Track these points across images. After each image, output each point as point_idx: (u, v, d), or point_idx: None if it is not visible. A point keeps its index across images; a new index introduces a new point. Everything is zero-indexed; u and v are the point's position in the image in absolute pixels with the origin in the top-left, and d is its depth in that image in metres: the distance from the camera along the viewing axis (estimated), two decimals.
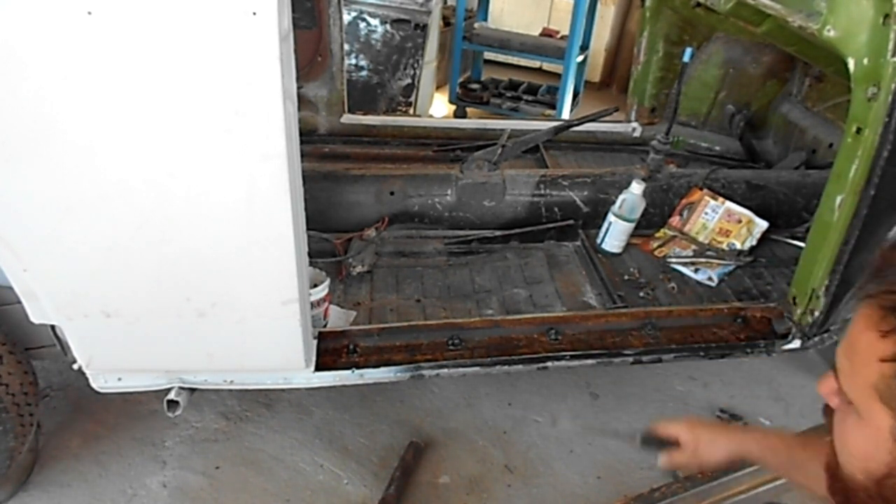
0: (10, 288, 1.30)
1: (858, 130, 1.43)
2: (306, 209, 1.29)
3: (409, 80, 3.39)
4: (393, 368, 1.60)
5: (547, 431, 2.08)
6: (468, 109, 4.44)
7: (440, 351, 1.64)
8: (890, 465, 0.59)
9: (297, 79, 1.16)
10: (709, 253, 2.09)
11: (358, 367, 1.59)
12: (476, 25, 4.41)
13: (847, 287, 1.63)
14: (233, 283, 1.30)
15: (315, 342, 1.56)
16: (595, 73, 5.05)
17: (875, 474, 0.61)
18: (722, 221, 2.13)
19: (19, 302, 1.33)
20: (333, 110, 2.55)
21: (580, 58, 4.27)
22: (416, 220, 2.15)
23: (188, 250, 1.24)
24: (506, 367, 1.65)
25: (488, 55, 4.75)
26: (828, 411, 0.70)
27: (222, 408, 2.06)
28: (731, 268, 2.05)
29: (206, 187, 1.16)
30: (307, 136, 2.41)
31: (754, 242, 2.11)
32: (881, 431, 0.58)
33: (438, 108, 4.39)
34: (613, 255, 2.08)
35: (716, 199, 2.15)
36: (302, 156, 1.25)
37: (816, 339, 1.73)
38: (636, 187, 2.02)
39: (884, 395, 0.57)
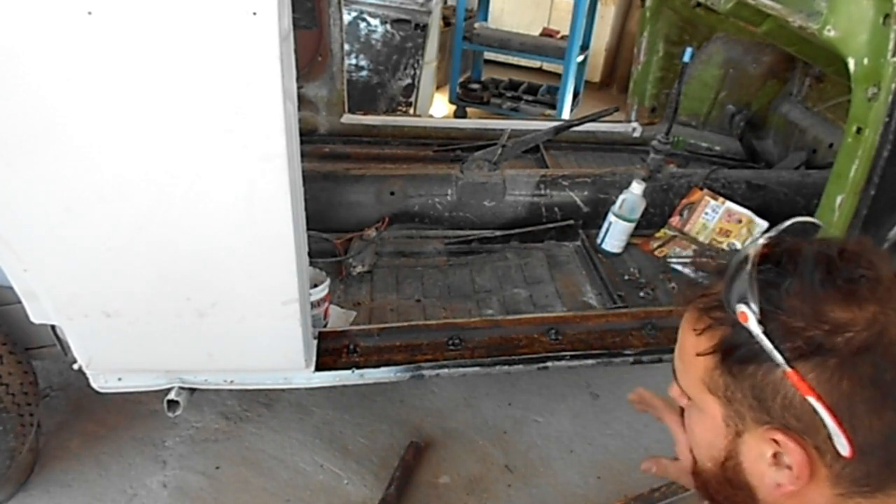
0: (10, 288, 1.30)
1: (858, 130, 1.43)
2: (306, 209, 1.29)
3: (409, 80, 3.39)
4: (393, 368, 1.60)
5: (547, 431, 2.08)
6: (468, 109, 4.44)
7: (440, 351, 1.64)
8: (727, 447, 0.65)
9: (298, 79, 1.16)
10: (709, 253, 2.09)
11: (358, 367, 1.58)
12: (476, 25, 4.41)
13: None
14: (233, 283, 1.30)
15: (315, 342, 1.56)
16: (595, 73, 5.05)
17: (718, 459, 0.67)
18: (722, 221, 2.13)
19: (19, 302, 1.32)
20: (333, 110, 2.55)
21: (580, 58, 4.27)
22: (417, 220, 2.14)
23: (188, 250, 1.24)
24: (506, 367, 1.65)
25: (488, 55, 4.75)
26: (682, 413, 0.76)
27: (222, 408, 2.06)
28: None
29: (206, 187, 1.16)
30: (307, 136, 2.41)
31: None
32: (716, 419, 0.65)
33: (438, 108, 4.39)
34: (613, 255, 2.08)
35: (716, 199, 2.15)
36: (302, 156, 1.25)
37: None
38: (636, 187, 2.02)
39: (710, 386, 0.64)
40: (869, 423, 0.56)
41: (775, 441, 0.60)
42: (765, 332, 0.58)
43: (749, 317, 0.58)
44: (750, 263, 0.59)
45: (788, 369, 0.57)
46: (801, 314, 0.57)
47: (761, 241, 0.62)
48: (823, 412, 0.56)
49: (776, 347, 0.57)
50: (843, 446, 0.56)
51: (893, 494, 0.59)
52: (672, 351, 0.72)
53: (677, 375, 0.71)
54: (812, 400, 0.56)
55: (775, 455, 0.60)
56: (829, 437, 0.57)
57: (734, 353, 0.61)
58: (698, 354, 0.64)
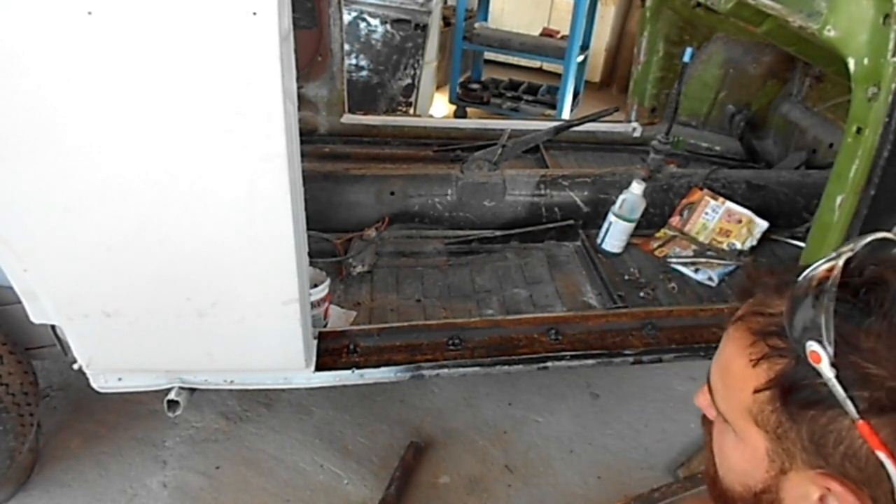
0: (10, 288, 1.30)
1: (858, 130, 1.43)
2: (306, 209, 1.29)
3: (409, 80, 3.39)
4: (393, 368, 1.60)
5: (547, 431, 2.08)
6: (468, 109, 4.44)
7: (440, 351, 1.64)
8: (767, 481, 0.60)
9: (298, 79, 1.16)
10: (709, 253, 2.09)
11: (358, 367, 1.58)
12: (476, 25, 4.41)
13: None
14: (233, 283, 1.30)
15: (315, 342, 1.56)
16: (595, 73, 5.05)
17: (753, 489, 0.62)
18: (722, 221, 2.13)
19: (19, 302, 1.32)
20: (334, 110, 2.56)
21: (580, 58, 4.27)
22: (417, 220, 2.14)
23: (188, 250, 1.24)
24: (506, 367, 1.65)
25: (488, 55, 4.76)
26: (706, 421, 0.72)
27: (222, 408, 2.06)
28: (731, 268, 2.05)
29: (206, 187, 1.16)
30: (307, 136, 2.41)
31: (754, 242, 2.11)
32: (758, 451, 0.60)
33: (438, 108, 4.39)
34: (614, 255, 2.08)
35: (716, 199, 2.15)
36: (302, 156, 1.25)
37: None
38: (636, 187, 2.02)
39: (759, 420, 0.58)
40: None
41: (827, 488, 0.55)
42: (838, 378, 0.51)
43: (822, 358, 0.52)
44: (827, 293, 0.53)
45: (860, 421, 0.51)
46: (882, 361, 0.51)
47: (839, 261, 0.55)
48: (892, 468, 0.51)
49: (849, 397, 0.51)
50: None
51: None
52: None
53: (715, 395, 0.65)
54: (882, 456, 0.51)
55: (821, 497, 0.56)
56: (892, 491, 0.52)
57: (796, 395, 0.55)
58: (755, 391, 0.57)
